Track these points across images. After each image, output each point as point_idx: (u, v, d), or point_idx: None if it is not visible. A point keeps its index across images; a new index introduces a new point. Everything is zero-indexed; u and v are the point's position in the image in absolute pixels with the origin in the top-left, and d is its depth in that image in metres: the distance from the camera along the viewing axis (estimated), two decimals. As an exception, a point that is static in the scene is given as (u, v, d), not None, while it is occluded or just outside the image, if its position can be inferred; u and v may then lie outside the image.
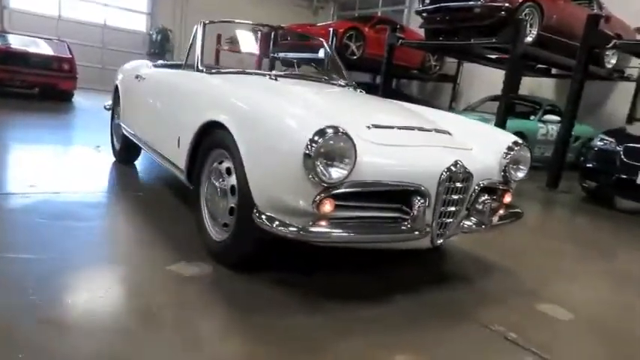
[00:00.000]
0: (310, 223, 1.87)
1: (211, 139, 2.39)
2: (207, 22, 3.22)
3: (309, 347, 1.73)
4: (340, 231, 1.90)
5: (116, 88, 4.32)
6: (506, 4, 6.87)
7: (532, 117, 7.96)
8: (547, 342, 1.97)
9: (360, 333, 1.88)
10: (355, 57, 10.34)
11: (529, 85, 10.76)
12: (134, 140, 3.68)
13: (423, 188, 2.03)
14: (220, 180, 2.29)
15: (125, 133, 3.92)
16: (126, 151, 4.21)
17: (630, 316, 2.46)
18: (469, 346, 1.90)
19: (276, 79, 2.88)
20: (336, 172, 1.82)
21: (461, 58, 9.65)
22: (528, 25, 7.00)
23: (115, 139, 4.47)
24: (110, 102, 4.58)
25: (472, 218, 2.29)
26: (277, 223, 1.90)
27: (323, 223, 1.89)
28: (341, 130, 1.81)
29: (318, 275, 2.40)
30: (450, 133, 2.49)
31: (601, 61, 8.36)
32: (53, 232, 2.52)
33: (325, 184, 1.82)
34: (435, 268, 2.73)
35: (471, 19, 7.22)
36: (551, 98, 10.45)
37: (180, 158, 2.67)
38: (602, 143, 5.43)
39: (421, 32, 10.00)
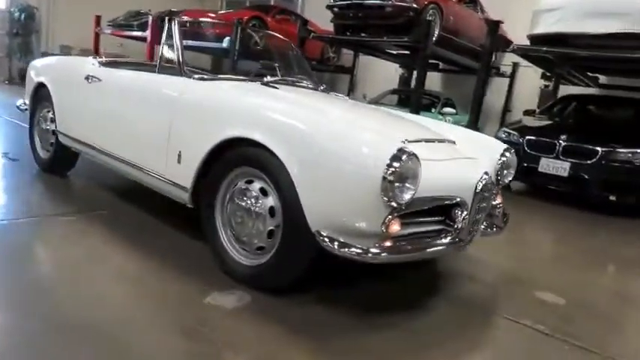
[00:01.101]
0: (376, 244, 1.89)
1: (234, 157, 2.24)
2: (178, 18, 2.96)
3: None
4: (404, 249, 1.95)
5: (38, 87, 3.73)
6: (414, 5, 7.37)
7: (433, 110, 8.68)
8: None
9: (431, 343, 1.97)
10: (259, 47, 10.17)
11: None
12: (86, 152, 3.24)
13: (462, 200, 2.17)
14: (251, 201, 2.17)
15: (67, 141, 3.42)
16: (60, 160, 3.68)
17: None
18: (518, 344, 2.11)
19: (276, 87, 2.76)
20: (407, 193, 1.86)
21: (365, 52, 10.05)
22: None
23: (39, 147, 3.87)
24: (26, 101, 3.94)
25: (485, 222, 2.50)
26: (340, 244, 1.89)
27: (388, 242, 1.92)
28: (412, 152, 1.85)
29: (345, 287, 2.41)
30: (454, 142, 2.66)
31: (484, 59, 9.41)
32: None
33: (395, 205, 1.85)
34: (434, 267, 2.92)
35: (381, 17, 7.59)
36: (435, 89, 11.49)
37: (182, 176, 2.46)
38: (505, 136, 6.15)
39: (320, 24, 10.31)
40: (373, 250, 1.87)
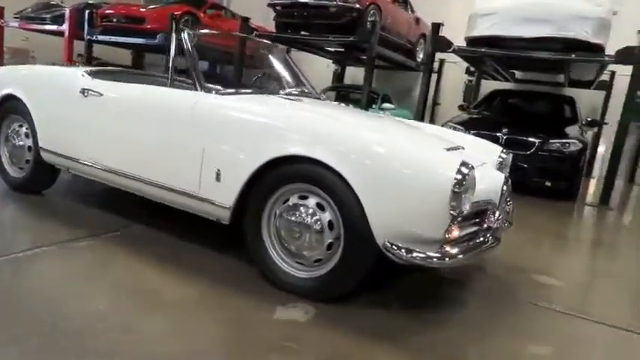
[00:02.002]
0: (438, 249, 2.10)
1: (285, 174, 2.30)
2: (192, 32, 2.91)
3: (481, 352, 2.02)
4: (460, 252, 2.17)
5: (3, 99, 3.43)
6: (357, 5, 7.62)
7: (374, 105, 9.05)
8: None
9: (482, 333, 2.22)
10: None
11: (348, 74, 12.07)
12: (85, 171, 3.07)
13: (493, 202, 2.44)
14: (308, 216, 2.26)
15: (54, 159, 3.20)
16: (39, 178, 3.43)
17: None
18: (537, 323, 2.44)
19: (299, 100, 2.83)
20: (468, 202, 2.08)
21: (300, 48, 10.15)
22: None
23: (7, 165, 3.55)
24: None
25: (500, 219, 2.82)
26: (407, 251, 2.06)
27: (448, 247, 2.13)
28: (472, 166, 2.06)
29: (379, 291, 2.58)
30: (464, 148, 2.93)
31: (414, 56, 10.00)
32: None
33: (457, 214, 2.06)
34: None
35: (325, 16, 7.75)
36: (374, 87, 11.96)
37: (221, 194, 2.47)
38: (452, 130, 6.67)
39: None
40: (437, 255, 2.07)
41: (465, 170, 2.02)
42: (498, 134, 6.14)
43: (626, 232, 5.31)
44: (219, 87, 2.82)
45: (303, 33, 8.36)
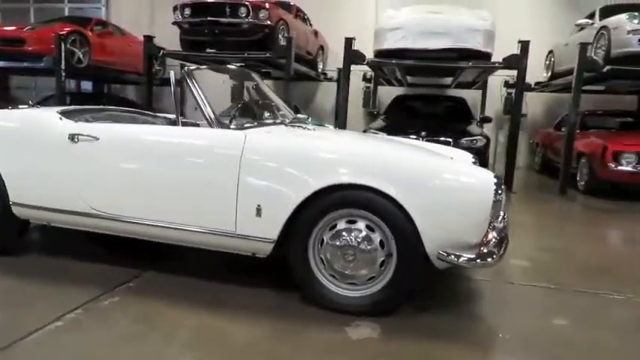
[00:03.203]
0: (478, 251, 2.42)
1: (331, 202, 2.43)
2: (192, 67, 2.89)
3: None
4: (495, 251, 2.50)
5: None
6: (268, 22, 7.78)
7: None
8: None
9: (501, 314, 2.61)
10: (83, 65, 9.11)
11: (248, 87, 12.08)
12: (74, 221, 2.83)
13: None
14: (359, 239, 2.42)
15: (32, 214, 2.89)
16: (5, 236, 3.05)
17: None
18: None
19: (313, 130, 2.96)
20: (499, 209, 2.43)
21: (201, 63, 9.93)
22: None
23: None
24: None
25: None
26: (455, 257, 2.36)
27: (484, 249, 2.46)
28: (501, 177, 2.42)
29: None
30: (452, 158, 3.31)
31: (315, 66, 10.44)
32: None
33: (492, 220, 2.40)
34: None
35: (237, 33, 7.78)
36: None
37: (264, 229, 2.51)
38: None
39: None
40: (480, 257, 2.39)
41: (500, 182, 2.37)
42: (419, 138, 6.78)
43: (532, 211, 6.27)
44: (242, 121, 2.83)
45: (209, 50, 8.27)
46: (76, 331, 2.21)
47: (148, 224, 2.70)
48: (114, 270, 2.96)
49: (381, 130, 7.27)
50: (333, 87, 11.44)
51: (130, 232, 2.81)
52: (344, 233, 2.45)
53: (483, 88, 10.51)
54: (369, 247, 2.43)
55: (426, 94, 9.64)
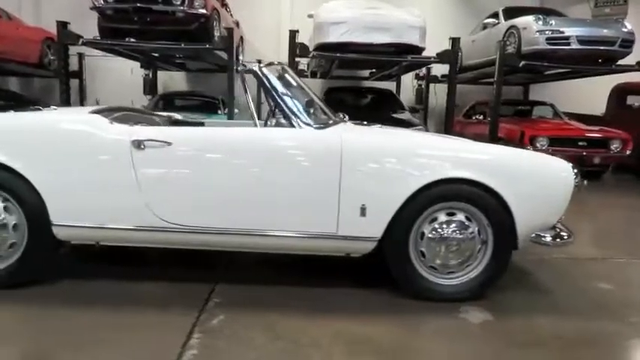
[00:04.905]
0: (556, 231, 2.73)
1: (434, 196, 2.53)
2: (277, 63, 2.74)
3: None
4: (565, 230, 2.82)
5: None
6: (204, 11, 7.38)
7: (219, 111, 8.89)
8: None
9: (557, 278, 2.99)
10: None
11: (161, 78, 11.30)
12: (133, 239, 2.55)
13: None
14: (461, 230, 2.57)
15: (79, 233, 2.50)
16: (34, 263, 2.58)
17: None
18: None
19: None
20: (569, 192, 2.76)
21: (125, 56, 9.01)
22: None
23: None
24: None
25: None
26: (542, 237, 2.65)
27: (557, 228, 2.77)
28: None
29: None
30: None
31: (237, 57, 10.14)
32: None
33: (566, 202, 2.72)
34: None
35: (170, 22, 7.24)
36: (184, 89, 11.49)
37: (368, 228, 2.53)
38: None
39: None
40: (560, 236, 2.70)
41: (573, 167, 2.69)
42: (370, 128, 7.08)
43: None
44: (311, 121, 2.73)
45: (129, 39, 7.57)
46: (219, 356, 2.02)
47: (234, 233, 2.52)
48: (178, 287, 2.70)
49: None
50: (251, 79, 11.22)
51: (209, 243, 2.60)
52: (445, 225, 2.58)
53: (398, 80, 11.23)
54: (469, 237, 2.58)
55: (355, 86, 10.00)
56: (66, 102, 7.49)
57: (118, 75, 11.09)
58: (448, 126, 7.86)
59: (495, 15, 9.18)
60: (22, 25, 9.22)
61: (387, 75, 10.60)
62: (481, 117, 9.38)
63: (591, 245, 3.98)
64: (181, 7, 7.09)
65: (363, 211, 2.51)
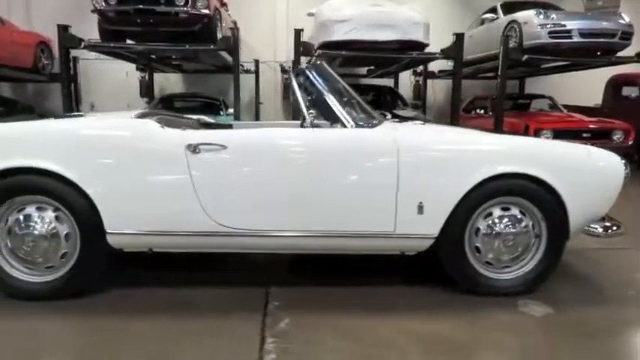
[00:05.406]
0: (605, 222, 2.76)
1: (491, 191, 2.54)
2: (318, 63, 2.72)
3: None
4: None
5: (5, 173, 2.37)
6: (207, 11, 7.30)
7: (221, 112, 8.81)
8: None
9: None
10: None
11: (157, 80, 11.15)
12: (189, 245, 2.51)
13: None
14: (515, 224, 2.58)
15: (139, 241, 2.45)
16: (86, 273, 2.52)
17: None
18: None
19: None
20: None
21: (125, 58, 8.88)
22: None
23: (20, 269, 2.47)
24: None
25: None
26: (593, 230, 2.69)
27: (606, 219, 2.80)
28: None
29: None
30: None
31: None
32: None
33: (615, 192, 2.75)
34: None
35: (173, 23, 7.14)
36: (181, 91, 11.35)
37: (426, 225, 2.53)
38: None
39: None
40: (610, 228, 2.74)
41: (622, 159, 2.73)
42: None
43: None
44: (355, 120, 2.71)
45: (128, 42, 7.47)
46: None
47: (292, 235, 2.50)
48: (231, 291, 2.67)
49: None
50: (248, 79, 11.15)
51: (267, 246, 2.57)
52: (499, 220, 2.59)
53: (395, 77, 11.27)
54: (523, 231, 2.60)
55: (354, 83, 9.98)
56: (69, 107, 7.34)
57: (113, 78, 10.93)
58: (454, 122, 7.89)
59: (493, 10, 9.26)
60: (16, 30, 9.01)
61: (385, 72, 10.63)
62: (482, 111, 9.47)
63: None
64: (184, 8, 6.99)
65: (420, 210, 2.50)
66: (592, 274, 3.07)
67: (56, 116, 2.80)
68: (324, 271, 3.06)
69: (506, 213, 2.60)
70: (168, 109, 9.17)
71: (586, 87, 10.28)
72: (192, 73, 11.12)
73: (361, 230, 2.52)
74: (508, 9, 8.81)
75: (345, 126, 2.60)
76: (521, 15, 8.01)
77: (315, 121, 2.94)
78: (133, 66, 10.28)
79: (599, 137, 7.49)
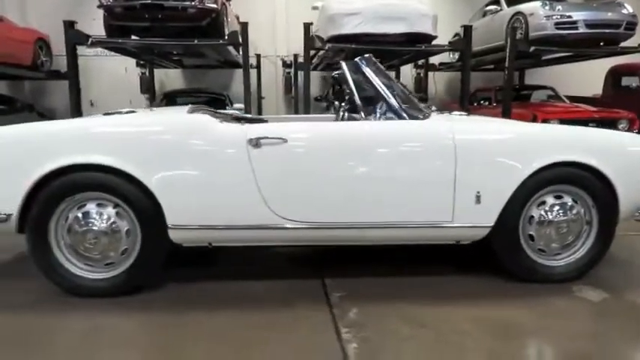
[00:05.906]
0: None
1: (545, 180, 2.57)
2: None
3: None
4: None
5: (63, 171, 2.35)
6: (215, 6, 7.24)
7: (227, 108, 8.74)
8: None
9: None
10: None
11: (157, 75, 11.02)
12: (252, 238, 2.52)
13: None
14: (570, 211, 2.63)
15: (201, 235, 2.44)
16: (145, 269, 2.52)
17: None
18: None
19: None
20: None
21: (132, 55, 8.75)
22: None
23: (78, 266, 2.45)
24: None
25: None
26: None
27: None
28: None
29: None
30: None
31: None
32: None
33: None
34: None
35: (182, 18, 7.07)
36: (180, 87, 11.23)
37: (483, 215, 2.56)
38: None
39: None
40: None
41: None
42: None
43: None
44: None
45: (133, 37, 7.38)
46: (380, 348, 2.01)
47: (352, 227, 2.51)
48: (286, 284, 2.69)
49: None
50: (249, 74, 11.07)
51: (327, 238, 2.59)
52: (552, 208, 2.63)
53: (397, 69, 11.29)
54: (575, 219, 2.65)
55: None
56: (76, 105, 7.23)
57: (112, 74, 10.80)
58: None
59: (496, 2, 9.32)
60: (15, 27, 8.84)
61: (387, 65, 10.65)
62: (486, 103, 9.55)
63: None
64: (193, 3, 6.93)
65: (478, 199, 2.53)
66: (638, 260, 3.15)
67: (105, 113, 2.76)
68: (375, 261, 3.07)
69: (558, 201, 2.64)
70: (173, 104, 9.12)
71: (584, 77, 10.42)
72: (192, 68, 11.01)
73: (420, 221, 2.54)
74: (511, 0, 8.87)
75: (402, 118, 2.62)
76: (526, 6, 8.07)
77: (347, 115, 2.98)
78: (133, 62, 10.16)
79: (604, 127, 7.63)
